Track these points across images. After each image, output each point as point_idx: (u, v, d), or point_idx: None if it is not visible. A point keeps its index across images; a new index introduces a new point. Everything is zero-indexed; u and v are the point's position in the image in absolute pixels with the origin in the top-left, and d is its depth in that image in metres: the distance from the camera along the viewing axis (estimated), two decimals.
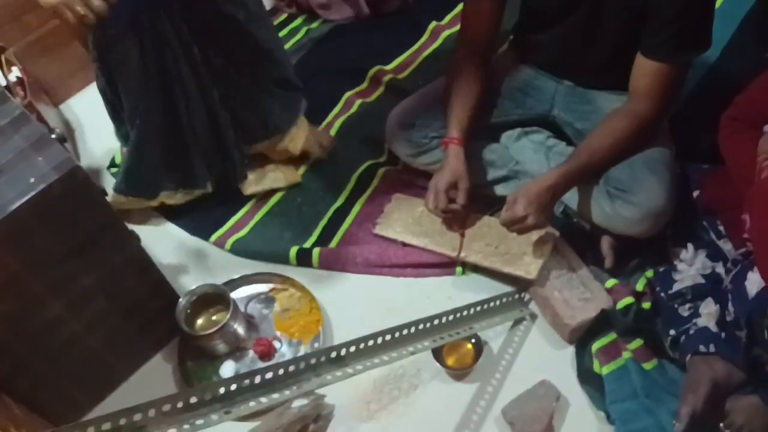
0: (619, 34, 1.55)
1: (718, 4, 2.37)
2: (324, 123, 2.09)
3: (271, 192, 1.93)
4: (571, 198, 1.68)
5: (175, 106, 1.66)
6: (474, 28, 1.69)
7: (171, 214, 1.89)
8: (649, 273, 1.64)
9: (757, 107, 1.47)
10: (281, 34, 2.43)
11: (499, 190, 1.80)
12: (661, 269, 1.63)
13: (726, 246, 1.55)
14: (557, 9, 1.58)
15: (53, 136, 1.28)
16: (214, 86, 1.67)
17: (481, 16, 1.66)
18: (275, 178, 1.92)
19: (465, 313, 1.53)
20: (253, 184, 1.90)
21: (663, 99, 1.55)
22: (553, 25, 1.63)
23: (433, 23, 2.43)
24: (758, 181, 1.34)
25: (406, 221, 1.78)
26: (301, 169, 1.98)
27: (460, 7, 1.77)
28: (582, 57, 1.66)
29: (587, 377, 1.52)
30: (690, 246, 1.60)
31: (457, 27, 1.80)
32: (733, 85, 1.59)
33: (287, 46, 2.37)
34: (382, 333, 1.40)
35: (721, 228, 1.57)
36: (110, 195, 1.77)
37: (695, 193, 1.65)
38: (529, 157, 1.78)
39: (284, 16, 2.53)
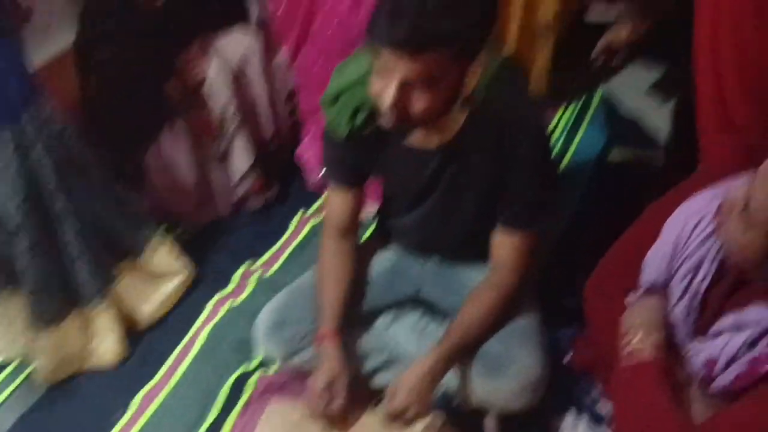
0: (476, 210, 1.60)
1: (563, 166, 2.57)
2: (187, 337, 1.99)
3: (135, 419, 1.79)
4: (450, 379, 1.65)
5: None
6: (338, 216, 1.70)
7: None
8: None
9: (616, 278, 1.47)
10: None
11: (379, 379, 1.74)
12: None
13: (606, 407, 1.55)
14: (414, 196, 1.63)
15: None
16: None
17: (344, 204, 1.68)
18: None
19: None
20: None
21: (521, 267, 1.59)
22: (412, 209, 1.67)
23: (299, 215, 2.45)
24: (620, 364, 1.29)
25: (286, 430, 1.68)
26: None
27: (324, 197, 1.80)
28: (444, 235, 1.69)
29: None
30: (572, 411, 1.59)
31: (322, 216, 1.82)
32: (586, 248, 1.64)
33: None
34: None
35: (599, 388, 1.58)
36: None
37: (567, 357, 1.67)
38: (403, 341, 1.75)
39: None
